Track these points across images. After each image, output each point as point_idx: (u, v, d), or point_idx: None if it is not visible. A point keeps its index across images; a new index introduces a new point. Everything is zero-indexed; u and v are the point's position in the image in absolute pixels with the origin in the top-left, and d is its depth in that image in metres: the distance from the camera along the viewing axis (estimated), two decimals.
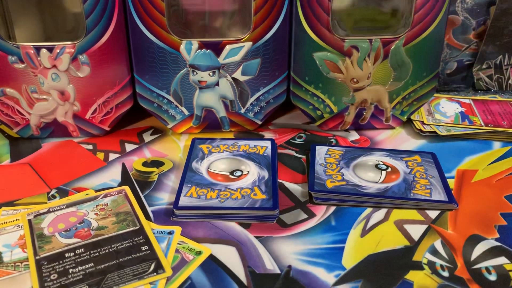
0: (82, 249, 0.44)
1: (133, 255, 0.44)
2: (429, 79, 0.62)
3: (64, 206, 0.50)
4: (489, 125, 0.64)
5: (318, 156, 0.58)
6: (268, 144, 0.60)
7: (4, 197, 0.53)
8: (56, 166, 0.58)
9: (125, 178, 0.56)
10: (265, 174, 0.54)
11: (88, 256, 0.44)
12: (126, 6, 0.56)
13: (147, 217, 0.49)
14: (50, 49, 0.57)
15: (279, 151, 0.61)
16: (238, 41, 0.58)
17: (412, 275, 0.43)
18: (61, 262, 0.43)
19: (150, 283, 0.42)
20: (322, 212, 0.50)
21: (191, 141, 0.61)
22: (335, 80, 0.61)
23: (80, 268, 0.43)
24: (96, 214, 0.49)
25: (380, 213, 0.50)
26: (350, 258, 0.45)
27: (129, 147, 0.62)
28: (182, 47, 0.58)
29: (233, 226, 0.49)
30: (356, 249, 0.46)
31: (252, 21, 0.57)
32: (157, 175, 0.56)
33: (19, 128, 0.62)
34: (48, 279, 0.42)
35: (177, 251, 0.45)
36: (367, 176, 0.54)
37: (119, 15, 0.56)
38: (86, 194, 0.52)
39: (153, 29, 0.57)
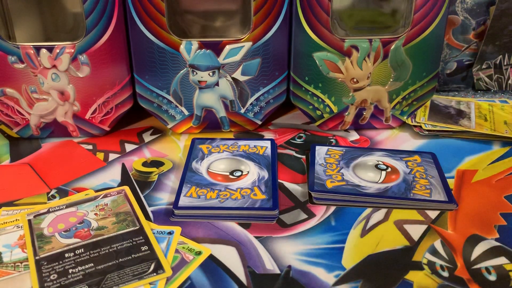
0: (82, 249, 0.44)
1: (133, 255, 0.44)
2: (429, 79, 0.62)
3: (64, 206, 0.50)
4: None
5: (318, 156, 0.58)
6: (268, 144, 0.60)
7: (4, 197, 0.52)
8: (56, 166, 0.58)
9: (125, 178, 0.56)
10: (265, 174, 0.54)
11: (88, 256, 0.44)
12: (126, 6, 0.56)
13: (147, 217, 0.49)
14: (50, 49, 0.57)
15: (279, 151, 0.61)
16: (238, 41, 0.58)
17: (412, 275, 0.43)
18: (61, 262, 0.43)
19: (150, 283, 0.42)
20: (322, 212, 0.50)
21: (191, 141, 0.61)
22: (335, 80, 0.61)
23: (80, 268, 0.43)
24: (96, 214, 0.49)
25: (380, 213, 0.50)
26: (350, 258, 0.45)
27: (129, 147, 0.62)
28: (182, 47, 0.58)
29: (233, 226, 0.49)
30: (356, 249, 0.46)
31: (252, 21, 0.57)
32: (157, 175, 0.56)
33: (19, 128, 0.62)
34: (48, 279, 0.42)
35: (177, 251, 0.45)
36: (367, 176, 0.54)
37: (119, 15, 0.56)
38: (86, 194, 0.52)
39: (153, 29, 0.57)
